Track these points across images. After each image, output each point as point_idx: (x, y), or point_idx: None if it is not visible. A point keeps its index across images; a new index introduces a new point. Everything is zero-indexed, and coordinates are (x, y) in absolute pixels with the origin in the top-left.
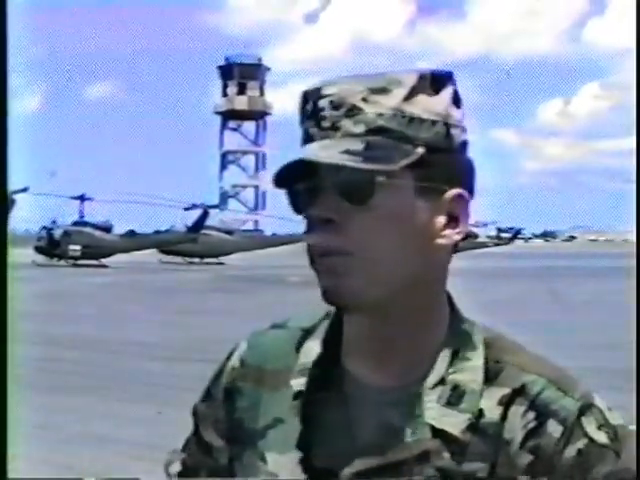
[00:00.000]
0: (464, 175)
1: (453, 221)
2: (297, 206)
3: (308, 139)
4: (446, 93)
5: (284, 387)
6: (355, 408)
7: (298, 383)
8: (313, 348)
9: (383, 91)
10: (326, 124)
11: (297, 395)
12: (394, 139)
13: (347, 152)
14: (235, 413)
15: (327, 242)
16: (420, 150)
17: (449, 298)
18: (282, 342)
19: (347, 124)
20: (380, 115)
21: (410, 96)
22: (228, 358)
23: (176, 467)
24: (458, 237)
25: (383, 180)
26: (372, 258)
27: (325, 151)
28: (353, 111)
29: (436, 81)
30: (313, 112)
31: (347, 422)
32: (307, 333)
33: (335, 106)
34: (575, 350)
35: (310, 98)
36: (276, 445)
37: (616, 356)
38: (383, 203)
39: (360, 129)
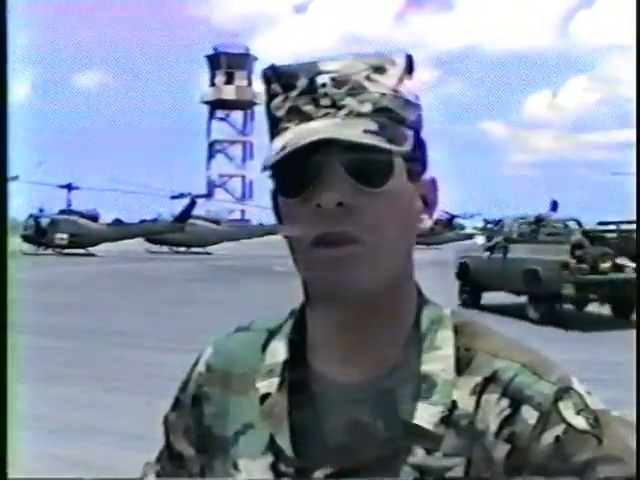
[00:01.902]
0: (427, 158)
1: (426, 206)
2: (293, 188)
3: (299, 117)
4: (416, 75)
5: (251, 391)
6: (324, 407)
7: (264, 385)
8: (278, 348)
9: (382, 70)
10: (326, 102)
11: (264, 397)
12: (394, 120)
13: (367, 132)
14: (203, 420)
15: (337, 228)
16: (410, 133)
17: (416, 285)
18: (248, 345)
19: (352, 103)
20: (383, 95)
21: (402, 77)
22: (195, 364)
23: (151, 479)
24: (431, 223)
25: (399, 162)
26: (379, 247)
27: (346, 130)
28: (357, 89)
29: (411, 62)
30: (309, 88)
31: (317, 422)
32: (272, 334)
33: (337, 83)
34: (564, 342)
35: (303, 74)
36: (247, 451)
37: (606, 349)
38: (393, 187)
39: (367, 109)
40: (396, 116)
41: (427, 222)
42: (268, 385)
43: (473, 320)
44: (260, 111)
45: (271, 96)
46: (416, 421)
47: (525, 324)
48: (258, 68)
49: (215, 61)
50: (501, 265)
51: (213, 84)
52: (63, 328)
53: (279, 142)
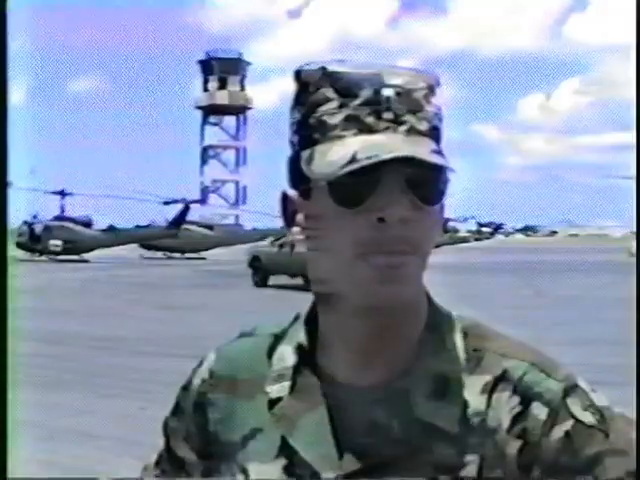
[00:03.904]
0: None
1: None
2: (353, 199)
3: (358, 127)
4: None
5: (259, 395)
6: (338, 410)
7: (274, 390)
8: (286, 353)
9: (433, 90)
10: (388, 116)
11: (274, 402)
12: (439, 140)
13: (433, 152)
14: (208, 426)
15: (399, 242)
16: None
17: (425, 290)
18: (252, 350)
19: (412, 119)
20: (435, 115)
21: (442, 98)
22: (196, 371)
23: None
24: (438, 239)
25: (450, 182)
26: (423, 260)
27: (418, 148)
28: (417, 107)
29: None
30: (373, 100)
31: (331, 425)
32: (278, 339)
33: (401, 98)
34: (558, 345)
35: (367, 84)
36: (258, 455)
37: (600, 351)
38: (440, 205)
39: (424, 127)
40: (440, 136)
41: (438, 238)
42: (279, 389)
43: (480, 323)
44: (253, 116)
45: (320, 100)
46: (432, 421)
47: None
48: (251, 73)
49: (208, 66)
50: (289, 257)
51: (206, 89)
52: (58, 334)
53: (342, 151)
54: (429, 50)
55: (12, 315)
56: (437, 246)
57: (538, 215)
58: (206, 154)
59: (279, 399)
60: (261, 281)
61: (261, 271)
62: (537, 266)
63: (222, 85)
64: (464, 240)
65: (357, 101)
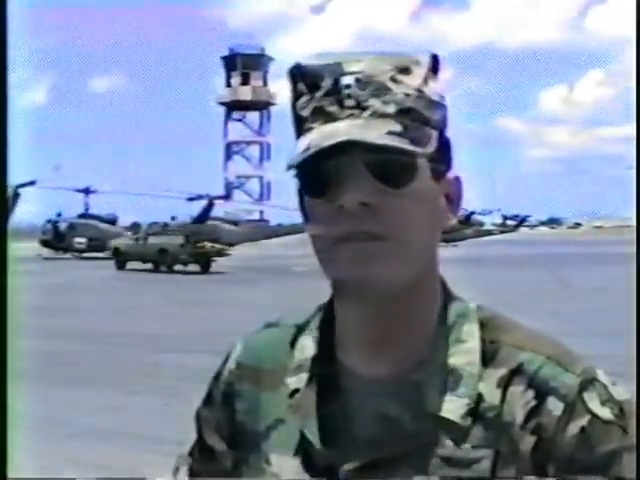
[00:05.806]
0: (452, 157)
1: (450, 204)
2: (317, 188)
3: (323, 117)
4: (442, 76)
5: (281, 386)
6: (353, 401)
7: (293, 381)
8: (306, 344)
9: (407, 71)
10: (350, 103)
11: (293, 393)
12: (418, 121)
13: (391, 133)
14: (236, 416)
15: (360, 227)
16: (434, 133)
17: (441, 280)
18: (276, 341)
19: (376, 104)
20: (407, 95)
21: (426, 77)
22: (225, 361)
23: (183, 473)
24: (455, 221)
25: (422, 163)
26: (405, 243)
27: (370, 131)
28: (381, 90)
29: (437, 62)
30: (333, 89)
31: (346, 417)
32: (300, 330)
33: (362, 84)
34: (583, 337)
35: (328, 74)
36: (279, 446)
37: (625, 343)
38: (416, 188)
39: (391, 109)
40: (420, 117)
41: (451, 220)
42: (297, 381)
43: (498, 314)
44: (276, 111)
45: (297, 95)
46: (443, 414)
47: (162, 274)
48: (274, 68)
49: (231, 62)
50: (144, 247)
51: (229, 85)
52: (84, 332)
53: (304, 142)
54: (452, 44)
55: (38, 313)
56: (462, 239)
57: (562, 207)
58: (230, 150)
59: (297, 390)
60: (121, 265)
61: (121, 258)
62: (562, 258)
63: (245, 81)
64: (489, 233)
65: (320, 92)
